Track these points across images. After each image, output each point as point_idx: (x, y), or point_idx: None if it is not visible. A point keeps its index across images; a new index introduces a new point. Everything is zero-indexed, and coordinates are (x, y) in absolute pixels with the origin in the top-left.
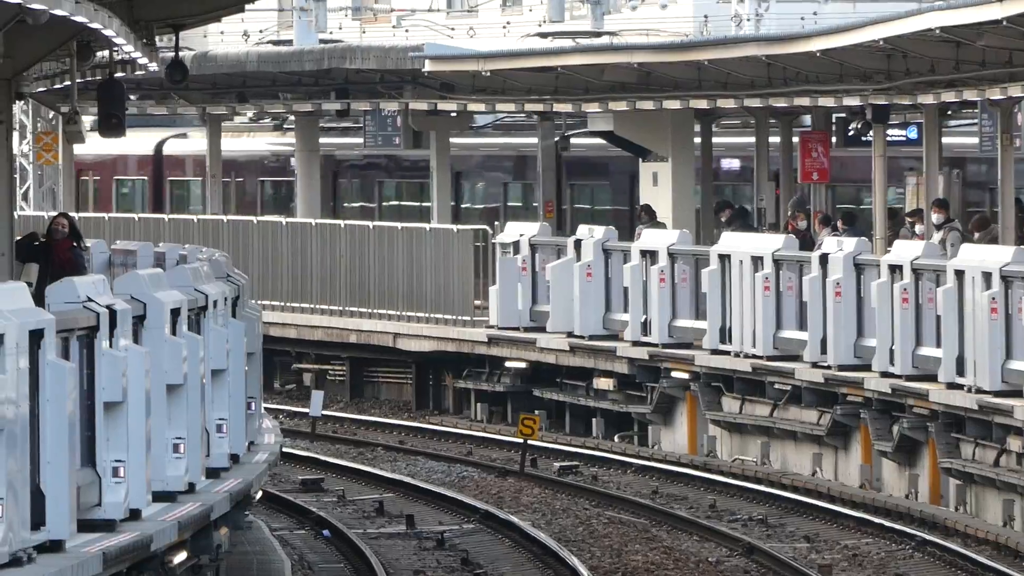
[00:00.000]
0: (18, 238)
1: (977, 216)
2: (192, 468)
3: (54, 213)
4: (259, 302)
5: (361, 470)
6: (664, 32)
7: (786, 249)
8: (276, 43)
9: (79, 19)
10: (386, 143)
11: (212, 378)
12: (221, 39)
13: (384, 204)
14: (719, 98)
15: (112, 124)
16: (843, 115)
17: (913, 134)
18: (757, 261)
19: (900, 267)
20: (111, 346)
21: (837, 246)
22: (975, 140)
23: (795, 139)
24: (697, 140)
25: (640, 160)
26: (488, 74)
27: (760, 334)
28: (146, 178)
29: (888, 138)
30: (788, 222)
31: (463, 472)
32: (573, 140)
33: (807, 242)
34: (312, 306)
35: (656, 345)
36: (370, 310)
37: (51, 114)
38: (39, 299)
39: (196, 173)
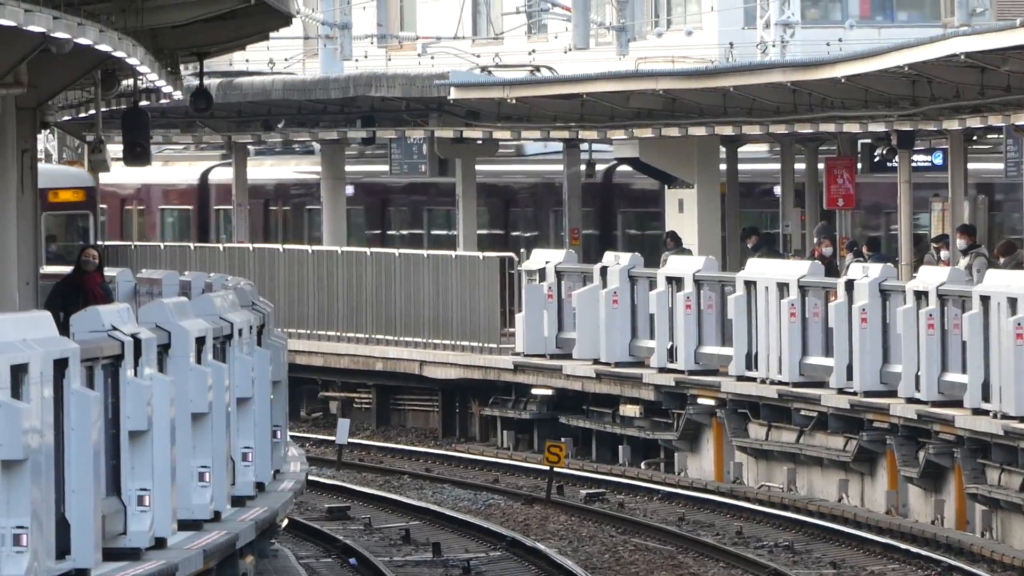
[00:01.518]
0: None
1: (1003, 241)
2: (217, 496)
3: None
4: (285, 330)
5: (387, 498)
6: (689, 59)
7: (811, 275)
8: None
9: (103, 48)
10: (412, 170)
11: (237, 406)
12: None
13: (432, 232)
14: (744, 124)
15: (137, 152)
16: (868, 141)
17: (938, 160)
18: (783, 287)
19: (926, 293)
20: (136, 375)
21: (862, 272)
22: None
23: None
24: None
25: (665, 187)
26: (513, 101)
27: (786, 360)
28: (191, 207)
29: (913, 164)
30: (815, 248)
31: (490, 500)
32: (620, 168)
33: (833, 268)
34: (338, 334)
35: (682, 372)
36: (396, 338)
37: (77, 143)
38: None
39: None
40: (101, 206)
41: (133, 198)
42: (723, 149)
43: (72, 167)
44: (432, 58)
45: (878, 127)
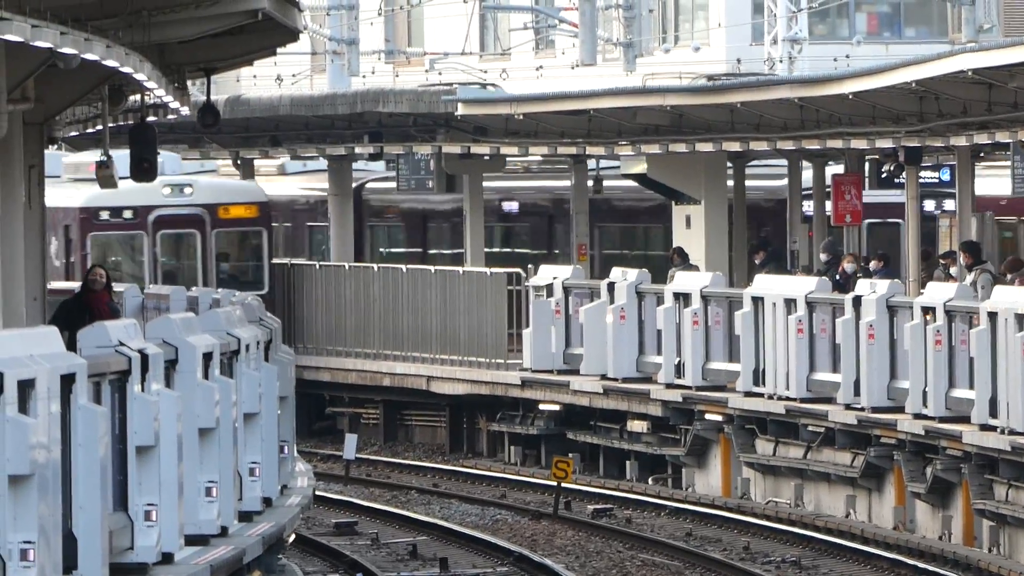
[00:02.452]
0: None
1: (1010, 258)
2: (224, 512)
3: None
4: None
5: (395, 513)
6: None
7: (819, 291)
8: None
9: (110, 63)
10: (419, 186)
11: (244, 422)
12: (254, 83)
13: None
14: (752, 140)
15: (144, 168)
16: (876, 157)
17: (946, 176)
18: (790, 303)
19: (933, 309)
20: (143, 390)
21: (870, 288)
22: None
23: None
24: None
25: (673, 203)
26: (521, 117)
27: (793, 376)
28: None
29: (921, 180)
30: (828, 268)
31: (497, 515)
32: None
33: (843, 286)
34: (346, 349)
35: (689, 387)
36: (404, 353)
37: None
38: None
39: (397, 216)
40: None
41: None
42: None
43: (244, 181)
44: (440, 74)
45: (885, 143)
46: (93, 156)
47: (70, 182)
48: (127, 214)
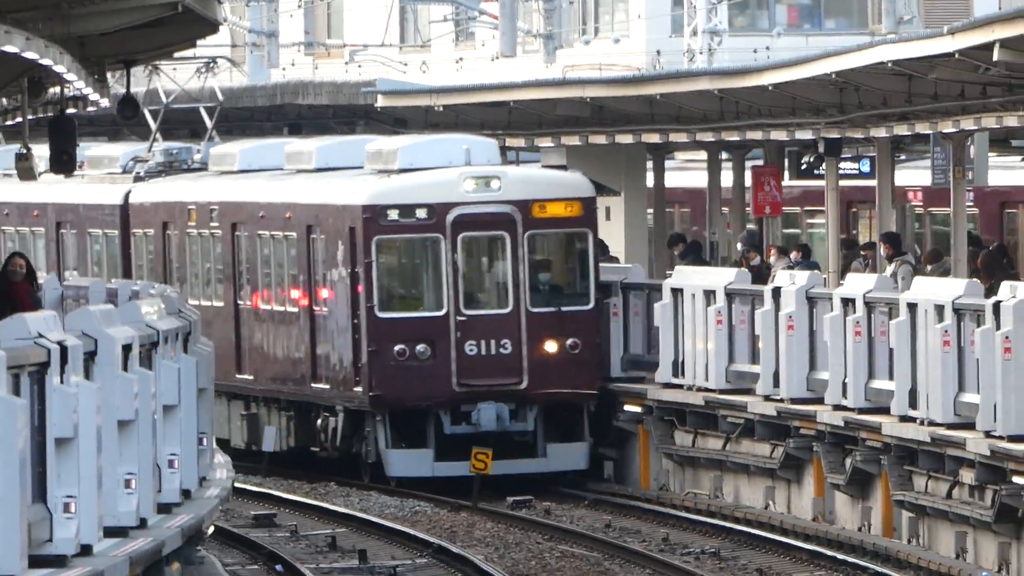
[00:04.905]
0: None
1: (930, 249)
2: (143, 503)
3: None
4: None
5: (314, 505)
6: (617, 66)
7: (738, 283)
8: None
9: (29, 55)
10: None
11: (164, 414)
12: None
13: None
14: (671, 132)
15: (63, 161)
16: (796, 148)
17: (866, 167)
18: (709, 295)
19: (853, 300)
20: (62, 382)
21: (790, 279)
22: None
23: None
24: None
25: None
26: (441, 109)
27: (712, 368)
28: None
29: (840, 171)
30: (742, 259)
31: (416, 507)
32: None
33: (760, 277)
34: None
35: (609, 379)
36: None
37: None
38: None
39: None
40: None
41: None
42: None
43: (566, 172)
44: (359, 66)
45: (805, 135)
46: (382, 143)
47: (359, 174)
48: (421, 213)
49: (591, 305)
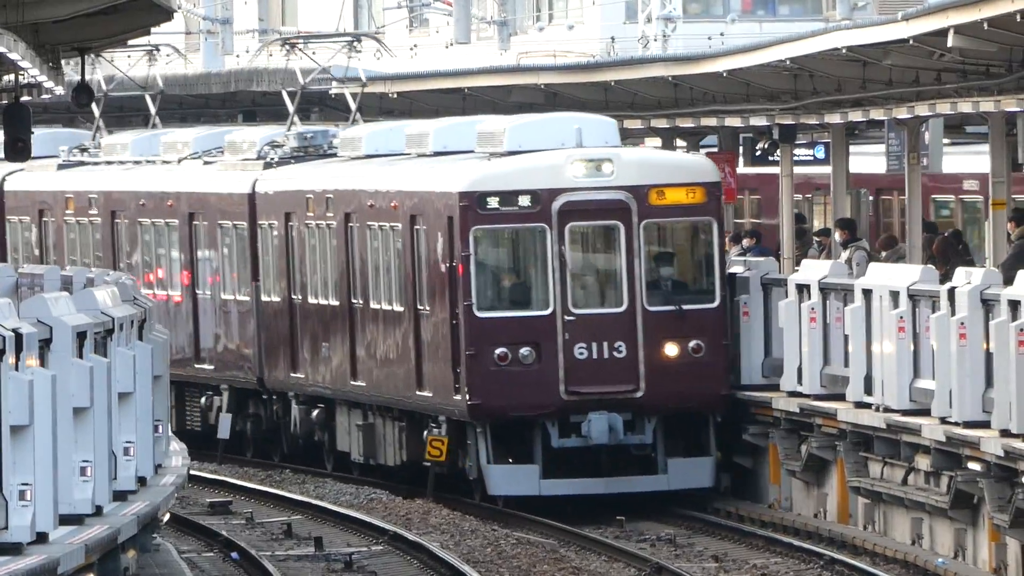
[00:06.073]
0: None
1: (884, 235)
2: (99, 491)
3: None
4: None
5: (269, 492)
6: (571, 53)
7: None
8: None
9: None
10: None
11: (119, 401)
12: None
13: None
14: (626, 118)
15: (18, 148)
16: (750, 135)
17: (820, 153)
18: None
19: (807, 286)
20: (17, 369)
21: (745, 267)
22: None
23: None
24: None
25: None
26: (395, 96)
27: None
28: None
29: (795, 157)
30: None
31: (372, 494)
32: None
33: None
34: None
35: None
36: None
37: None
38: None
39: None
40: None
41: None
42: None
43: (687, 155)
44: (314, 53)
45: (760, 121)
46: (491, 124)
47: (467, 157)
48: (524, 200)
49: (717, 303)
